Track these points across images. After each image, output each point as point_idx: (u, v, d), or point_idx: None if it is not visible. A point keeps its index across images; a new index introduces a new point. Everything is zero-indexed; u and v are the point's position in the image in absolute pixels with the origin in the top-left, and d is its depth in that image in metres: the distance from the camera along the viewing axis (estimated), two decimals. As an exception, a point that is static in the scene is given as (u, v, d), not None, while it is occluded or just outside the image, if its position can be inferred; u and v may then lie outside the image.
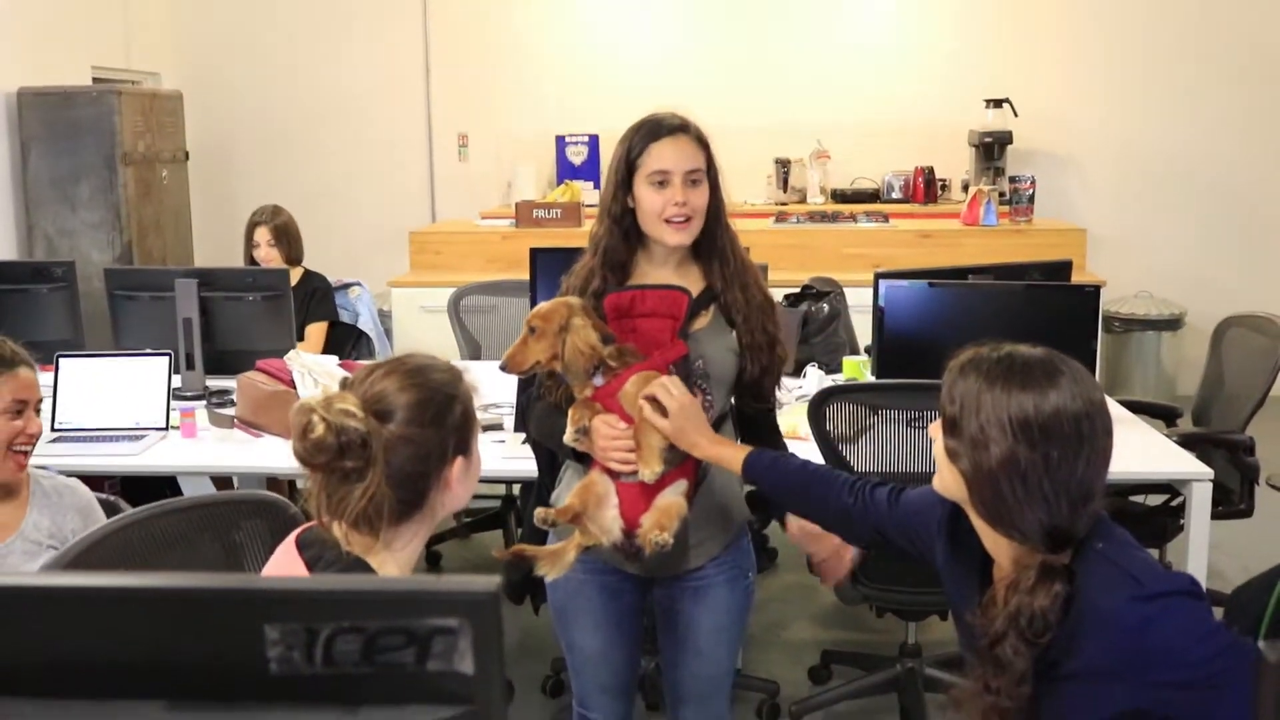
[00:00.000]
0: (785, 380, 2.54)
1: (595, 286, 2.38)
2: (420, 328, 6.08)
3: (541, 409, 2.45)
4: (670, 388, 2.22)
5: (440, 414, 1.69)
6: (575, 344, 2.25)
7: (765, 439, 2.42)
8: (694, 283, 2.40)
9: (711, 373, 2.37)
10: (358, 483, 1.64)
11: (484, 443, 1.79)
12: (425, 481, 1.69)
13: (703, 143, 2.36)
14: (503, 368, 2.29)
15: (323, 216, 7.51)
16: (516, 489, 4.87)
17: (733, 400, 2.48)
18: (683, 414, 2.20)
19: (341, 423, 1.62)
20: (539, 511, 2.23)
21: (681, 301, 2.32)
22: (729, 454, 2.20)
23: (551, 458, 2.53)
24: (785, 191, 7.67)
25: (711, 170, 2.36)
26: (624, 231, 2.38)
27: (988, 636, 1.69)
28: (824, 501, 2.07)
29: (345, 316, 5.08)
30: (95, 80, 7.02)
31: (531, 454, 2.76)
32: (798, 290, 4.46)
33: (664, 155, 2.32)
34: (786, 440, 2.57)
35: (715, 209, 2.37)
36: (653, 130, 2.34)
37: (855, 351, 4.49)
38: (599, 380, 2.28)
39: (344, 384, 1.72)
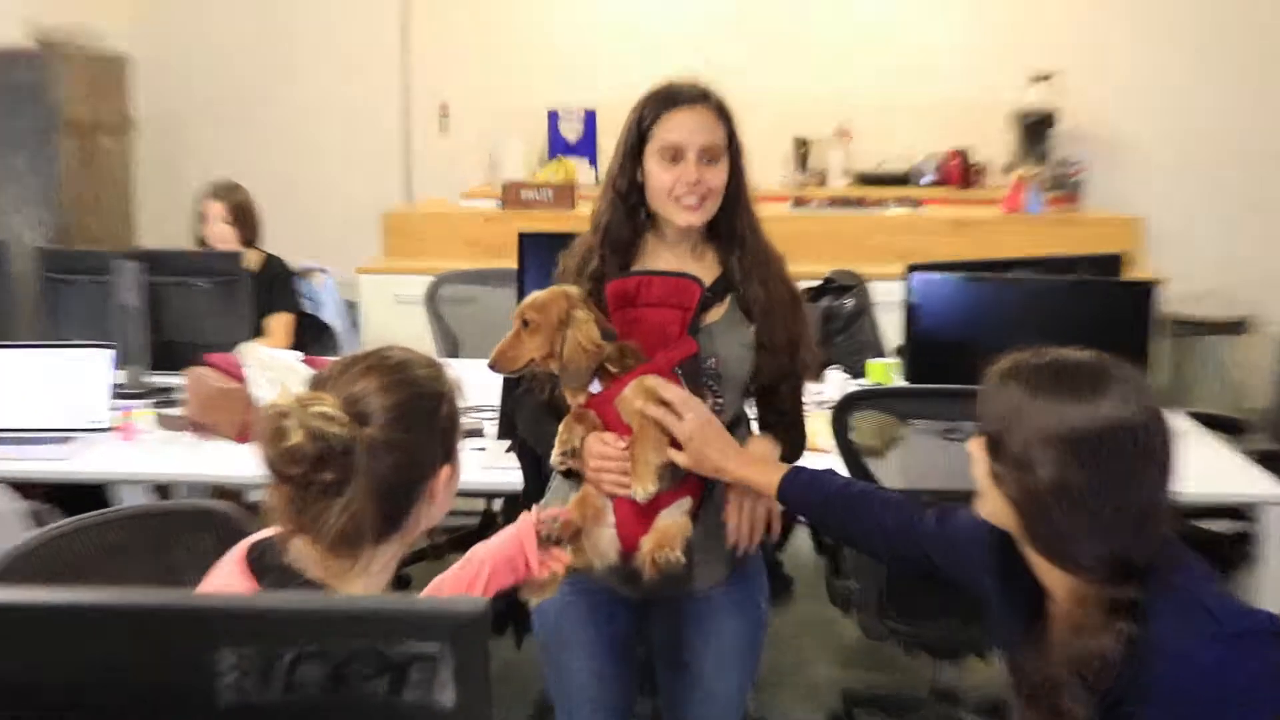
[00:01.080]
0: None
1: (593, 268, 2.37)
2: (393, 320, 6.03)
3: (531, 408, 2.44)
4: (680, 409, 2.21)
5: (428, 416, 1.67)
6: (577, 340, 2.22)
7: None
8: (709, 269, 2.39)
9: (724, 373, 2.36)
10: (336, 497, 1.62)
11: (463, 450, 1.77)
12: (411, 493, 1.67)
13: (724, 115, 2.35)
14: (492, 366, 2.27)
15: (284, 194, 7.46)
16: (498, 504, 4.85)
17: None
18: (699, 438, 2.20)
19: (321, 428, 1.59)
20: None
21: (693, 292, 2.30)
22: (760, 476, 2.20)
23: (538, 464, 2.51)
24: (804, 174, 7.66)
25: (733, 146, 2.36)
26: (629, 208, 2.38)
27: (1043, 682, 1.67)
28: (867, 525, 2.06)
29: (308, 307, 5.07)
30: (35, 41, 7.00)
31: (516, 464, 2.78)
32: (818, 284, 4.48)
33: (678, 127, 2.31)
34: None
35: (735, 190, 2.37)
36: (668, 98, 2.34)
37: (881, 353, 4.48)
38: (595, 386, 2.26)
39: (315, 383, 1.68)
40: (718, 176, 2.33)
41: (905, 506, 2.04)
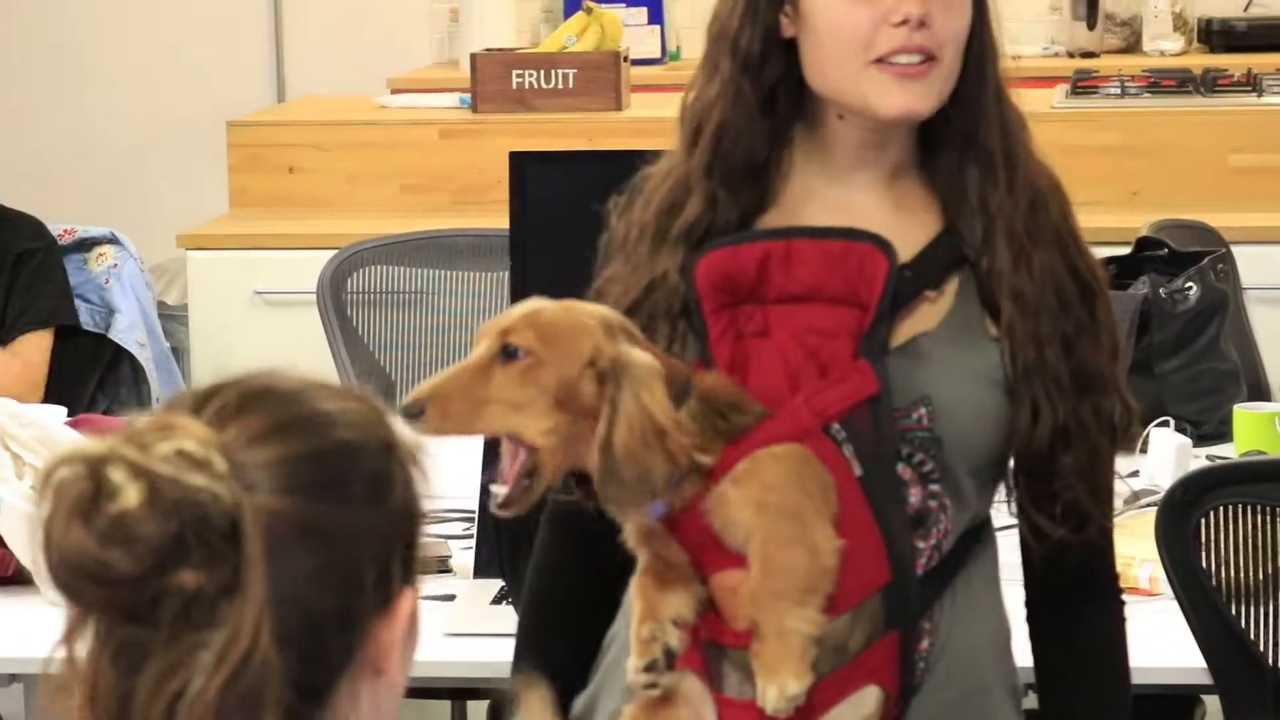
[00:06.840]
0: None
1: (692, 217, 1.79)
2: (253, 336, 4.46)
3: (551, 556, 1.87)
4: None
5: (368, 483, 1.12)
6: (644, 412, 1.65)
7: (1079, 618, 1.78)
8: (916, 225, 1.81)
9: (947, 434, 1.74)
10: (205, 630, 1.05)
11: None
12: (344, 638, 1.10)
13: None
14: (410, 415, 1.68)
15: (43, 97, 5.68)
16: (476, 711, 3.33)
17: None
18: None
19: (181, 481, 1.05)
20: None
21: (875, 266, 1.76)
22: None
23: (573, 622, 1.93)
24: (1093, 29, 6.05)
25: None
26: (765, 94, 1.78)
27: None
28: None
29: (86, 315, 3.83)
30: None
31: (513, 627, 2.07)
32: (1126, 251, 3.46)
33: None
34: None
35: (980, 54, 1.77)
36: None
37: (1262, 390, 3.51)
38: (658, 509, 1.69)
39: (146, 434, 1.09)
40: (956, 17, 1.73)
41: None
